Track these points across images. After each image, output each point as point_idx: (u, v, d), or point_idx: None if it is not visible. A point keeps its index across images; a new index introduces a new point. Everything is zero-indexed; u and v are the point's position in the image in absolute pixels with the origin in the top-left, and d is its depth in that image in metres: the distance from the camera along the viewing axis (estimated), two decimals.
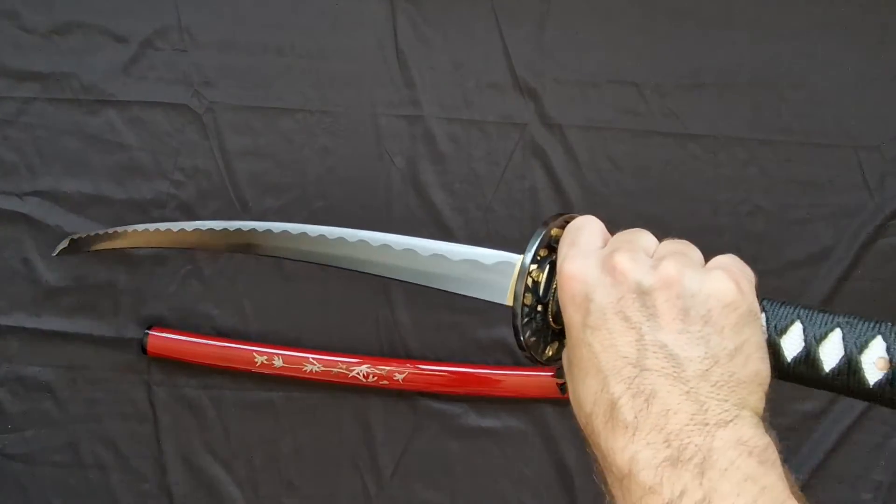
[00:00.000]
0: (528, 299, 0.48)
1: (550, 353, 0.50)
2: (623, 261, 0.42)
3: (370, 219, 0.96)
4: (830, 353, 0.40)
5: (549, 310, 0.49)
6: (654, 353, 0.39)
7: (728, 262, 0.43)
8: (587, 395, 0.41)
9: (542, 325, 0.49)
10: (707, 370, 0.38)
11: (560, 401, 0.96)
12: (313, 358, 0.95)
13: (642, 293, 0.40)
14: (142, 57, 0.95)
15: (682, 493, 0.36)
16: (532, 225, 0.95)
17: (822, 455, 0.96)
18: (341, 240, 0.58)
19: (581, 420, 0.42)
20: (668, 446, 0.37)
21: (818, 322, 0.41)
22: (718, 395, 0.38)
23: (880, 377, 0.39)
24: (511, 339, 1.02)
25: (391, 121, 0.95)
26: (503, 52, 0.94)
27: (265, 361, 0.95)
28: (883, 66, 0.94)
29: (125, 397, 0.99)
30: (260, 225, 0.63)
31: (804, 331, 0.41)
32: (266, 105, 0.96)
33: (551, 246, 0.49)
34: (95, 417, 0.99)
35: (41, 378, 0.99)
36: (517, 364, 0.97)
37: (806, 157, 0.94)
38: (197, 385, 0.99)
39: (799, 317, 0.42)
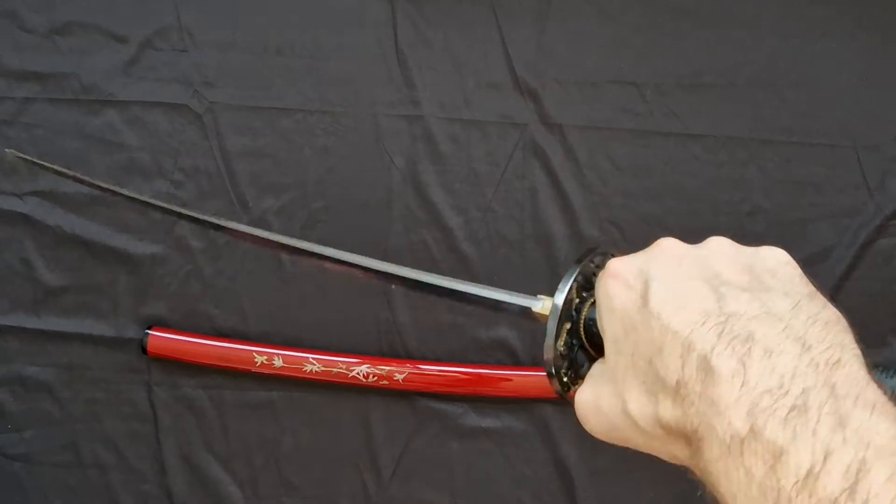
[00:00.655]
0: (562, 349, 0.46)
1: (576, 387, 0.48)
2: (667, 241, 0.41)
3: (370, 219, 0.96)
4: None
5: (581, 339, 0.47)
6: (735, 298, 0.35)
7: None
8: (669, 368, 0.34)
9: (574, 359, 0.47)
10: (795, 305, 0.34)
11: (560, 401, 0.96)
12: (313, 358, 0.95)
13: (699, 257, 0.38)
14: (142, 57, 0.95)
15: (826, 455, 0.28)
16: (532, 225, 0.96)
17: None
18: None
19: (662, 405, 0.35)
20: (787, 392, 0.30)
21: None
22: (815, 331, 0.33)
23: None
24: (511, 339, 1.02)
25: (391, 121, 0.95)
26: (503, 52, 0.94)
27: (265, 361, 0.95)
28: (883, 67, 0.94)
29: (125, 397, 0.99)
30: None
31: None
32: (266, 105, 0.96)
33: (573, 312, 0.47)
34: (95, 417, 0.99)
35: (41, 378, 0.99)
36: (517, 364, 0.97)
37: (806, 157, 0.94)
38: (197, 385, 0.99)
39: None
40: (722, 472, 0.32)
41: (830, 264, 0.95)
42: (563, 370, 0.47)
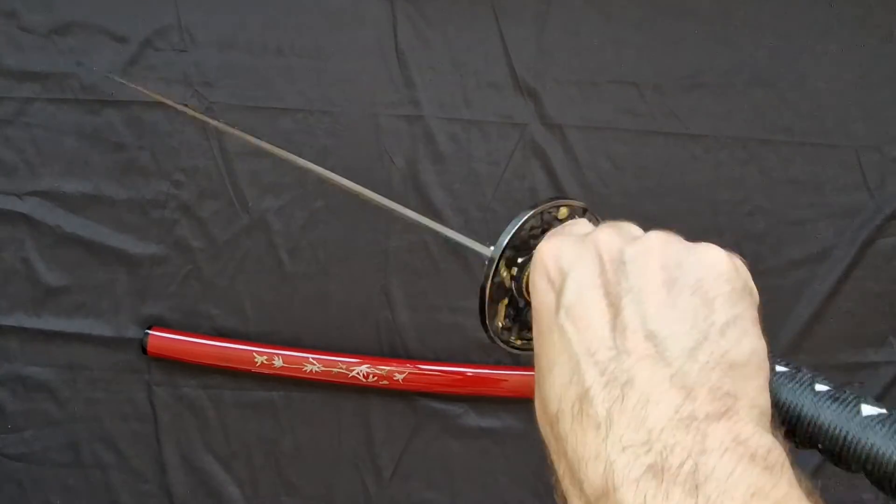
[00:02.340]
0: (501, 309, 0.46)
1: (519, 343, 0.47)
2: (604, 234, 0.36)
3: (370, 219, 0.96)
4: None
5: (523, 296, 0.46)
6: (634, 331, 0.32)
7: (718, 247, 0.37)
8: (554, 389, 0.34)
9: (514, 316, 0.46)
10: (694, 348, 0.31)
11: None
12: (313, 358, 0.95)
13: (623, 263, 0.35)
14: (142, 57, 0.95)
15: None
16: None
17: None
18: None
19: (545, 428, 0.36)
20: (649, 450, 0.29)
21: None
22: (709, 378, 0.31)
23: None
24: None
25: (391, 121, 0.95)
26: (503, 52, 0.94)
27: (265, 361, 0.95)
28: (883, 67, 0.94)
29: (125, 397, 0.99)
30: None
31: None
32: (266, 105, 0.96)
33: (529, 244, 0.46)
34: (95, 417, 0.99)
35: (41, 378, 0.99)
36: (517, 364, 0.97)
37: (806, 157, 0.94)
38: (197, 385, 0.99)
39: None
40: None
41: (830, 264, 0.95)
42: (501, 320, 0.46)
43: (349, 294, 0.97)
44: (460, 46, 0.95)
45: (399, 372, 0.95)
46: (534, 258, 0.39)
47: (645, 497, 0.28)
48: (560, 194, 0.46)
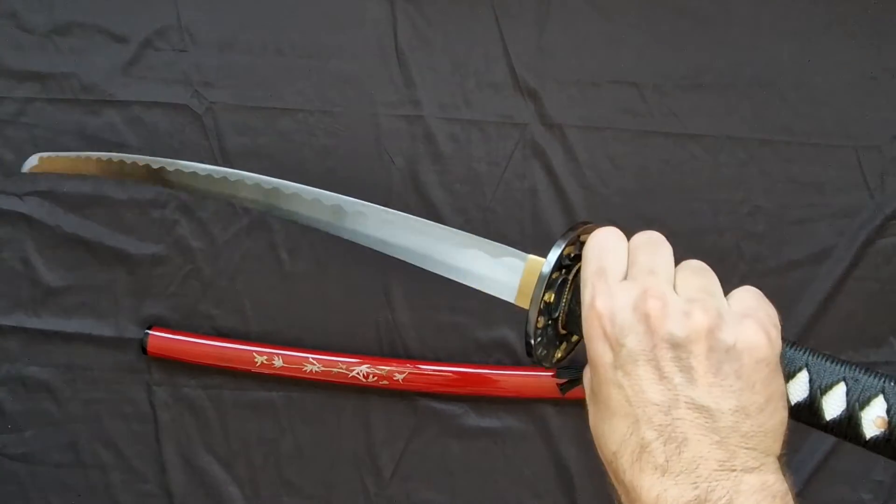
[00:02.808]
0: (541, 322, 0.48)
1: (559, 355, 0.51)
2: (655, 307, 0.41)
3: None
4: (833, 406, 0.42)
5: (560, 320, 0.49)
6: (686, 404, 0.40)
7: (755, 306, 0.42)
8: (614, 434, 0.42)
9: (552, 335, 0.50)
10: (738, 423, 0.39)
11: (560, 401, 0.96)
12: (313, 358, 0.95)
13: (676, 345, 0.40)
14: (142, 57, 0.95)
15: None
16: (532, 225, 0.96)
17: (822, 455, 0.96)
18: (316, 202, 0.60)
19: (604, 454, 0.43)
20: (695, 488, 0.38)
21: (825, 373, 0.43)
22: (748, 444, 0.39)
23: (877, 434, 0.41)
24: (511, 339, 1.02)
25: (391, 121, 0.95)
26: (503, 52, 0.94)
27: (265, 361, 0.95)
28: (883, 67, 0.94)
29: (125, 397, 0.99)
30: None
31: (810, 380, 0.43)
32: (266, 105, 0.96)
33: (563, 265, 0.49)
34: (95, 417, 0.99)
35: (41, 378, 0.99)
36: (517, 364, 0.97)
37: (806, 157, 0.94)
38: (197, 385, 0.99)
39: (807, 364, 0.43)
40: None
41: (830, 264, 0.95)
42: (543, 347, 0.49)
43: (349, 294, 0.97)
44: (460, 46, 0.95)
45: (399, 372, 0.95)
46: (588, 314, 0.44)
47: None
48: (587, 220, 0.49)
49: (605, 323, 0.42)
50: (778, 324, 0.43)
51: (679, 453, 0.39)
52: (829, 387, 0.42)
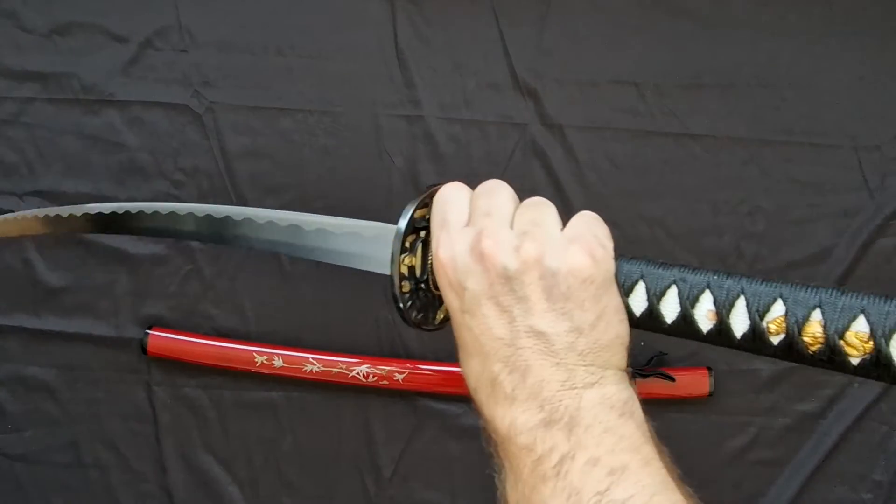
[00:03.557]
0: (406, 286, 0.50)
1: (441, 316, 0.52)
2: (489, 245, 0.44)
3: (370, 219, 0.96)
4: (669, 309, 0.45)
5: (431, 282, 0.51)
6: (526, 333, 0.43)
7: (583, 231, 0.45)
8: (472, 372, 0.45)
9: (428, 297, 0.51)
10: (573, 342, 0.42)
11: None
12: (313, 358, 0.95)
13: (509, 278, 0.43)
14: (142, 57, 0.95)
15: (551, 449, 0.41)
16: None
17: (822, 455, 0.96)
18: (228, 218, 0.58)
19: (470, 392, 0.46)
20: (541, 410, 0.42)
21: (658, 279, 0.45)
22: (584, 361, 0.42)
23: (711, 326, 0.44)
24: None
25: (391, 121, 0.95)
26: (503, 52, 0.94)
27: (265, 361, 0.95)
28: (883, 66, 0.94)
29: (125, 397, 0.99)
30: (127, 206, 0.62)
31: (647, 289, 0.45)
32: (266, 105, 0.96)
33: (420, 227, 0.50)
34: (95, 417, 0.99)
35: (41, 378, 0.99)
36: None
37: (806, 157, 0.94)
38: (197, 385, 0.99)
39: (643, 275, 0.46)
40: (500, 455, 0.45)
41: (830, 264, 0.95)
42: (419, 310, 0.51)
43: (349, 294, 0.97)
44: (460, 46, 0.95)
45: (399, 372, 0.95)
46: (434, 265, 0.47)
47: (535, 438, 0.41)
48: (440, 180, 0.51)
49: (448, 270, 0.45)
50: (607, 243, 0.45)
51: (524, 380, 0.42)
52: (663, 292, 0.45)
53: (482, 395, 0.44)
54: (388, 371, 0.94)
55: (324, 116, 0.96)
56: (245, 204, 0.96)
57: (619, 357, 0.44)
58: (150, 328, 0.97)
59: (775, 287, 0.43)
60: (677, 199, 0.95)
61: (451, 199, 0.48)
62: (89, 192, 0.96)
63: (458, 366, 0.97)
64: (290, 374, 0.95)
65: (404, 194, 0.96)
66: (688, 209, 0.95)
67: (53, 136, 0.96)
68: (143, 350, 0.96)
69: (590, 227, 0.46)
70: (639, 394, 0.44)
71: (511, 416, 0.42)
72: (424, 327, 0.52)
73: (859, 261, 0.95)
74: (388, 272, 0.51)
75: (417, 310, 0.51)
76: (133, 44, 0.95)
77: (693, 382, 0.94)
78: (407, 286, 0.50)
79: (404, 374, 0.95)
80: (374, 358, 0.96)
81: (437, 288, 0.50)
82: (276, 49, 0.95)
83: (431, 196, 0.50)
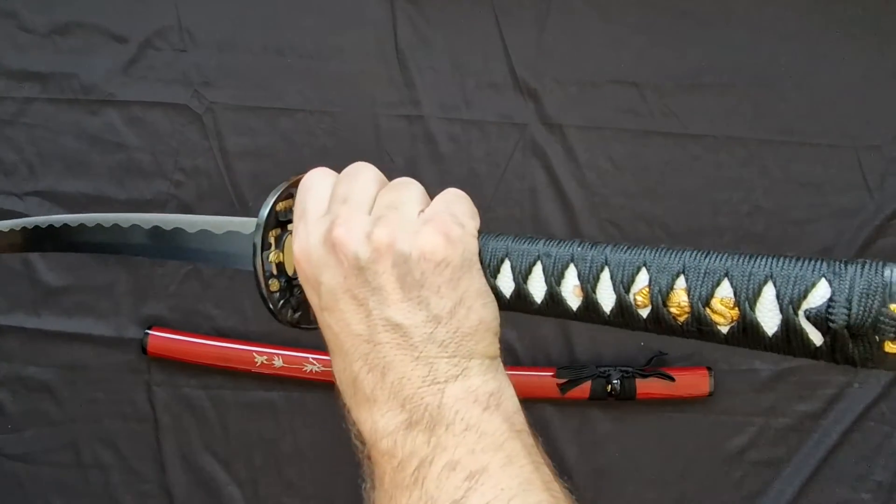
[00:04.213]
0: (275, 284, 0.46)
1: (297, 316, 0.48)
2: (340, 234, 0.40)
3: None
4: (536, 288, 0.41)
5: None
6: (383, 326, 0.39)
7: (439, 210, 0.41)
8: (337, 372, 0.42)
9: (301, 295, 0.47)
10: (431, 332, 0.39)
11: (560, 401, 0.96)
12: (313, 358, 0.95)
13: (362, 268, 0.39)
14: (142, 57, 0.95)
15: (411, 454, 0.37)
16: (532, 225, 0.96)
17: (822, 455, 0.96)
18: (83, 225, 0.55)
19: (340, 395, 0.44)
20: (402, 411, 0.38)
21: (523, 256, 0.41)
22: (446, 352, 0.39)
23: (579, 303, 0.40)
24: (511, 338, 1.02)
25: (391, 121, 0.95)
26: (503, 52, 0.94)
27: (265, 361, 0.95)
28: (883, 66, 0.94)
29: (125, 397, 0.99)
30: None
31: (512, 268, 0.41)
32: (266, 105, 0.96)
33: (285, 220, 0.46)
34: (95, 417, 0.99)
35: (41, 378, 0.99)
36: (517, 364, 0.97)
37: (806, 157, 0.94)
38: (197, 385, 0.99)
39: (508, 253, 0.42)
40: (366, 462, 0.42)
41: None
42: (293, 307, 0.47)
43: None
44: (460, 46, 0.95)
45: None
46: (294, 261, 0.43)
47: (395, 441, 0.38)
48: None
49: (304, 265, 0.42)
50: (467, 222, 0.41)
51: (383, 379, 0.39)
52: (529, 269, 0.41)
53: (347, 397, 0.41)
54: None
55: (324, 116, 0.95)
56: (245, 204, 0.96)
57: (486, 344, 0.40)
58: (150, 328, 0.97)
59: (638, 254, 0.38)
60: (677, 199, 0.95)
61: (313, 186, 0.44)
62: (89, 192, 0.96)
63: None
64: (290, 374, 0.95)
65: None
66: (688, 209, 0.95)
67: (53, 136, 0.96)
68: (143, 350, 0.96)
69: (448, 206, 0.41)
70: (514, 383, 0.41)
71: (372, 420, 0.39)
72: (304, 326, 0.47)
73: None
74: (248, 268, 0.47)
75: (293, 308, 0.47)
76: (133, 44, 0.95)
77: (693, 382, 0.94)
78: (276, 284, 0.46)
79: None
80: None
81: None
82: (276, 49, 0.95)
83: (293, 183, 0.46)
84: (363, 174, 0.44)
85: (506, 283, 0.41)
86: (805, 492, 0.96)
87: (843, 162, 0.94)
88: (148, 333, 0.96)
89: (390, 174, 1.02)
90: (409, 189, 0.42)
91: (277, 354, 0.95)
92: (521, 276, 0.41)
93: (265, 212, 0.44)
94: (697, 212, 0.95)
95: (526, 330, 0.97)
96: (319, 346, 0.97)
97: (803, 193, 0.95)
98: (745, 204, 0.95)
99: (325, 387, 0.96)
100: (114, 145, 0.96)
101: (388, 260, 0.39)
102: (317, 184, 0.44)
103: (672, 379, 0.93)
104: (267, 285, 0.46)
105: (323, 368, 0.94)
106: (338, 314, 0.40)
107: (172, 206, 0.96)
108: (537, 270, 0.41)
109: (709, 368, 0.94)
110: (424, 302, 0.39)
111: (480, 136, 0.95)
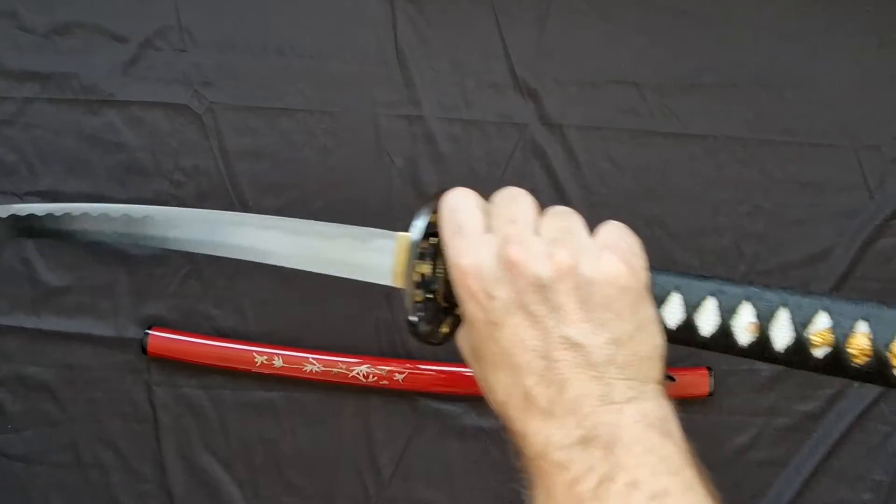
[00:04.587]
0: (419, 296, 0.48)
1: (445, 330, 0.51)
2: (518, 253, 0.42)
3: (370, 219, 0.96)
4: (706, 321, 0.44)
5: (438, 294, 0.49)
6: (561, 344, 0.41)
7: (615, 239, 0.44)
8: (499, 385, 0.43)
9: (435, 309, 0.49)
10: (612, 354, 0.41)
11: None
12: (313, 358, 0.95)
13: (542, 287, 0.41)
14: (142, 57, 0.95)
15: (589, 469, 0.39)
16: None
17: (822, 455, 0.96)
18: (234, 227, 0.57)
19: (493, 404, 0.45)
20: (579, 427, 0.40)
21: (694, 290, 0.44)
22: (623, 374, 0.41)
23: (751, 339, 0.43)
24: None
25: (391, 121, 0.95)
26: (503, 52, 0.94)
27: (265, 361, 0.95)
28: (883, 66, 0.94)
29: (125, 397, 0.99)
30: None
31: (683, 300, 0.44)
32: (266, 105, 0.96)
33: (433, 232, 0.49)
34: (95, 417, 0.99)
35: (41, 378, 0.99)
36: None
37: (806, 157, 0.94)
38: (197, 385, 0.99)
39: (677, 286, 0.44)
40: (532, 471, 0.42)
41: (830, 264, 0.95)
42: (427, 322, 0.50)
43: (349, 294, 0.97)
44: (460, 46, 0.95)
45: (399, 372, 0.95)
46: (453, 274, 0.44)
47: (572, 456, 0.39)
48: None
49: (473, 279, 0.43)
50: (639, 253, 0.44)
51: (560, 394, 0.40)
52: (700, 303, 0.44)
53: (513, 410, 0.42)
54: (388, 371, 0.95)
55: (324, 116, 0.96)
56: (245, 204, 0.96)
57: (657, 370, 0.42)
58: (150, 328, 0.97)
59: (818, 299, 0.42)
60: (677, 199, 0.95)
61: (461, 205, 0.48)
62: (89, 192, 0.96)
63: (458, 366, 0.98)
64: (290, 374, 0.95)
65: (404, 194, 0.96)
66: (688, 209, 0.95)
67: (53, 136, 0.96)
68: (143, 350, 0.96)
69: (621, 236, 0.44)
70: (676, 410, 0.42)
71: (546, 433, 0.40)
72: (431, 341, 0.50)
73: (859, 261, 0.95)
74: (390, 281, 0.50)
75: (426, 322, 0.49)
76: (133, 44, 0.95)
77: (693, 382, 0.94)
78: (420, 296, 0.48)
79: (404, 374, 0.95)
80: (374, 358, 0.96)
81: (445, 300, 0.48)
82: (276, 49, 0.95)
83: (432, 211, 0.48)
84: (523, 198, 0.49)
85: (672, 315, 0.44)
86: (805, 492, 0.96)
87: (843, 162, 0.94)
88: (148, 333, 0.96)
89: (390, 174, 1.03)
90: (574, 217, 0.46)
91: (277, 354, 0.95)
92: (692, 309, 0.44)
93: (422, 224, 0.48)
94: (697, 212, 0.95)
95: None
96: (319, 346, 0.97)
97: (803, 193, 0.95)
98: (745, 204, 0.95)
99: (325, 387, 0.96)
100: (114, 145, 0.96)
101: (571, 281, 0.41)
102: (465, 202, 0.48)
103: (672, 379, 0.93)
104: (413, 296, 0.48)
105: (323, 368, 0.95)
106: (509, 329, 0.42)
107: (172, 206, 0.96)
108: (710, 305, 0.44)
109: (709, 368, 0.94)
110: (606, 325, 0.41)
111: (480, 136, 0.95)
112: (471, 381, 0.96)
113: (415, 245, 0.48)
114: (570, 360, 0.41)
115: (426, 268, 0.49)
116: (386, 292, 0.97)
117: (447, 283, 0.48)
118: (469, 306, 0.44)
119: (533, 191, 0.98)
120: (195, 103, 0.96)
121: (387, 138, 0.96)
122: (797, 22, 0.93)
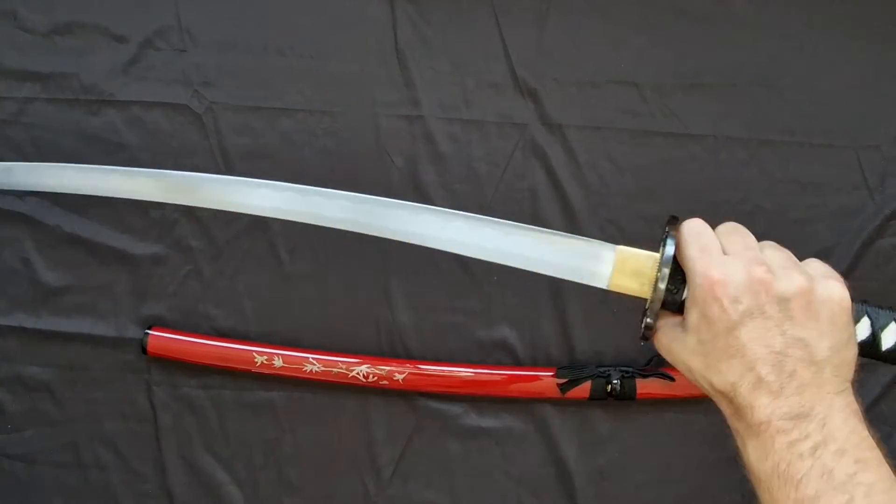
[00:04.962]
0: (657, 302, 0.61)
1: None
2: (763, 273, 0.55)
3: None
4: (889, 338, 0.60)
5: (657, 300, 0.61)
6: (794, 343, 0.54)
7: (831, 270, 0.58)
8: (732, 371, 0.55)
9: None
10: (830, 356, 0.54)
11: (560, 401, 0.96)
12: (313, 358, 0.95)
13: (783, 300, 0.55)
14: (142, 57, 0.95)
15: (806, 436, 0.51)
16: (533, 225, 0.96)
17: None
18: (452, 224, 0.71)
19: (715, 385, 0.57)
20: (801, 406, 0.53)
21: (881, 316, 0.60)
22: (836, 373, 0.54)
23: None
24: (511, 338, 1.02)
25: (391, 121, 0.95)
26: (503, 52, 0.94)
27: (265, 361, 0.95)
28: (883, 66, 0.94)
29: (125, 397, 0.99)
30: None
31: (871, 323, 0.60)
32: (266, 105, 0.96)
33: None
34: (95, 417, 0.99)
35: (41, 378, 0.99)
36: (517, 364, 0.97)
37: (806, 157, 0.94)
38: (197, 385, 0.99)
39: (867, 312, 0.60)
40: (750, 439, 0.55)
41: (830, 264, 0.95)
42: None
43: (349, 294, 0.97)
44: (460, 46, 0.95)
45: (399, 372, 0.95)
46: (702, 283, 0.56)
47: (794, 424, 0.52)
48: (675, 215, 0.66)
49: (722, 288, 0.55)
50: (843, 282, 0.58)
51: (790, 381, 0.53)
52: (886, 325, 0.60)
53: (744, 389, 0.54)
54: (388, 371, 0.94)
55: (324, 116, 0.96)
56: None
57: (852, 373, 0.56)
58: (150, 328, 0.97)
59: None
60: (677, 199, 0.95)
61: (702, 231, 0.60)
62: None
63: (458, 366, 0.98)
64: (290, 374, 0.95)
65: (404, 194, 0.96)
66: (688, 209, 0.94)
67: (53, 136, 0.96)
68: (143, 350, 0.96)
69: (830, 269, 0.59)
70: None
71: (773, 407, 0.53)
72: (647, 338, 0.63)
73: (859, 261, 0.95)
74: (605, 285, 0.64)
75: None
76: (133, 44, 0.95)
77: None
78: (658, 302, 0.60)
79: (404, 374, 0.95)
80: (374, 358, 0.96)
81: (663, 306, 0.61)
82: (276, 49, 0.95)
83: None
84: (745, 230, 0.60)
85: (862, 332, 0.60)
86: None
87: (843, 162, 0.94)
88: (148, 333, 0.96)
89: (390, 174, 1.03)
90: (787, 251, 0.59)
91: (277, 354, 0.95)
92: (880, 328, 0.60)
93: (672, 248, 0.61)
94: (697, 212, 0.94)
95: (526, 330, 0.97)
96: (319, 346, 0.97)
97: (803, 193, 0.95)
98: (745, 204, 0.95)
99: (325, 387, 0.96)
100: (114, 145, 0.96)
101: (805, 298, 0.55)
102: (704, 229, 0.60)
103: (672, 379, 0.93)
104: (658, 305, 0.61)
105: (323, 368, 0.95)
106: (751, 328, 0.54)
107: (172, 206, 0.96)
108: (894, 327, 0.60)
109: None
110: (829, 334, 0.54)
111: (480, 136, 0.95)
112: (470, 381, 0.96)
113: (668, 261, 0.60)
114: (799, 357, 0.53)
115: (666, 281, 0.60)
116: (386, 292, 0.97)
117: (669, 292, 0.61)
118: (712, 308, 0.55)
119: (533, 191, 0.99)
120: (195, 103, 0.96)
121: (387, 138, 0.96)
122: (797, 22, 0.93)
